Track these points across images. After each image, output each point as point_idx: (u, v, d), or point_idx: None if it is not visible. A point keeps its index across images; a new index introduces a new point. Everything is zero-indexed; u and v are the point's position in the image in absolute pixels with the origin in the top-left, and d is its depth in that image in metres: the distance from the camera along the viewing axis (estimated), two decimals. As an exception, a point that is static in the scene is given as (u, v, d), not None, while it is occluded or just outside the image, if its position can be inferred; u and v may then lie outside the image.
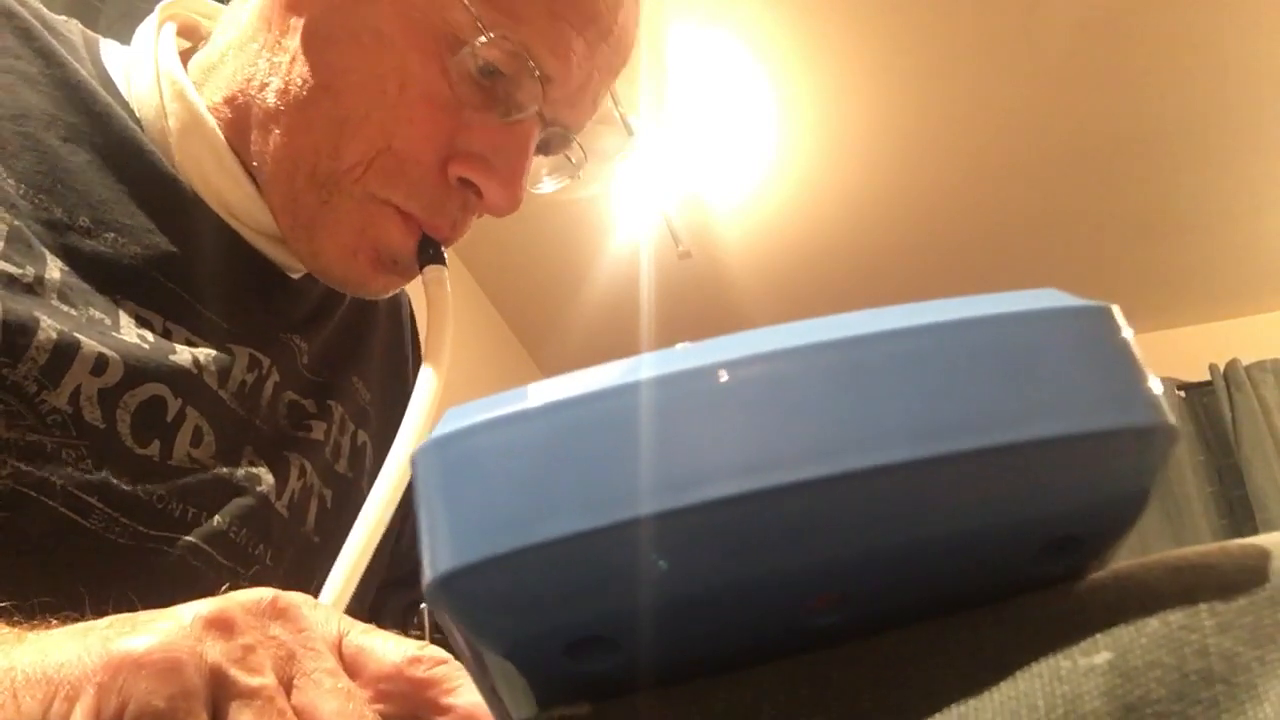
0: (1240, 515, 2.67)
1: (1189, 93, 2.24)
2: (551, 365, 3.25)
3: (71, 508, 0.45)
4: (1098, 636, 0.19)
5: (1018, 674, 0.19)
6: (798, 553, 0.19)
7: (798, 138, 2.38)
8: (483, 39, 0.52)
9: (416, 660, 0.31)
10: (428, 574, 0.19)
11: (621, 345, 2.92)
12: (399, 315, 0.75)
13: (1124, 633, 0.19)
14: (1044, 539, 0.21)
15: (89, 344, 0.46)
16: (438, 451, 0.20)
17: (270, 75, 0.55)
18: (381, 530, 0.47)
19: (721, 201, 2.59)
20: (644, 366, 0.19)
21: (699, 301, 2.91)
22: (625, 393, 0.19)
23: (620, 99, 2.19)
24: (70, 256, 0.49)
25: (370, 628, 0.33)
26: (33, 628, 0.32)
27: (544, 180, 0.65)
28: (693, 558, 0.19)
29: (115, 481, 0.47)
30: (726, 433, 0.18)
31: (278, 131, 0.54)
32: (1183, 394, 2.85)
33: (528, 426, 0.19)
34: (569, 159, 0.63)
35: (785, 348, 0.19)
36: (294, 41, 0.54)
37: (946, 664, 0.20)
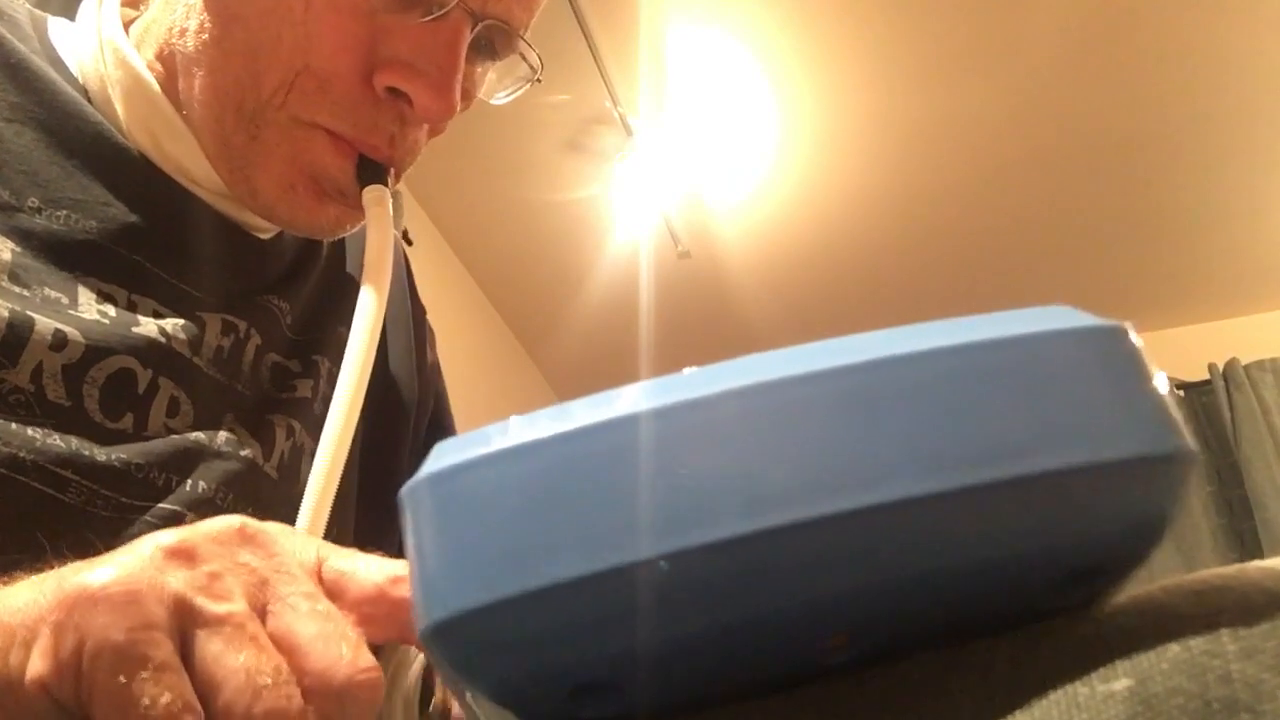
0: (1240, 515, 2.67)
1: (1189, 93, 2.24)
2: (551, 365, 3.24)
3: (47, 483, 0.44)
4: (1117, 662, 0.19)
5: (1034, 701, 0.19)
6: (807, 592, 0.19)
7: (798, 138, 2.37)
8: None
9: (399, 580, 0.30)
10: (421, 620, 0.18)
11: (621, 345, 2.92)
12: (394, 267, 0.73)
13: (1144, 659, 0.19)
14: (1061, 571, 0.20)
15: (44, 321, 0.45)
16: (430, 489, 0.19)
17: (187, 19, 0.53)
18: (344, 453, 0.45)
19: (721, 201, 2.58)
20: (645, 397, 0.18)
21: (699, 301, 2.91)
22: (626, 427, 0.18)
23: (620, 99, 2.18)
24: (21, 238, 0.48)
25: (353, 552, 0.31)
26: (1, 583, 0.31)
27: (500, 92, 0.61)
28: (699, 600, 0.18)
29: (87, 453, 0.45)
30: (731, 468, 0.18)
31: (200, 73, 0.53)
32: (1182, 394, 2.85)
33: (524, 463, 0.18)
34: (527, 63, 0.59)
35: (789, 376, 0.18)
36: None
37: (960, 691, 0.19)
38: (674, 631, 0.19)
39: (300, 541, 0.31)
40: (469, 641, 0.19)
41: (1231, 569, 0.21)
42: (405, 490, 0.19)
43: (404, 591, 0.29)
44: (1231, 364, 2.81)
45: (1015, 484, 0.18)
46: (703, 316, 2.96)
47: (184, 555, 0.27)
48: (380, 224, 0.53)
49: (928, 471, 0.17)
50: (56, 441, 0.45)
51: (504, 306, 2.95)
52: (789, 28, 2.07)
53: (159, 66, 0.55)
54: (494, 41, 0.57)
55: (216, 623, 0.26)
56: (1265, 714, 0.18)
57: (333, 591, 0.29)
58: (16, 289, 0.46)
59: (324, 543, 0.32)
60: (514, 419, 0.19)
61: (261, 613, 0.27)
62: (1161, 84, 2.21)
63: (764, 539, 0.17)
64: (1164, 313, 3.07)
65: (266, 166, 0.53)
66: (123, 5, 0.59)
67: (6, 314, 0.44)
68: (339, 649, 0.26)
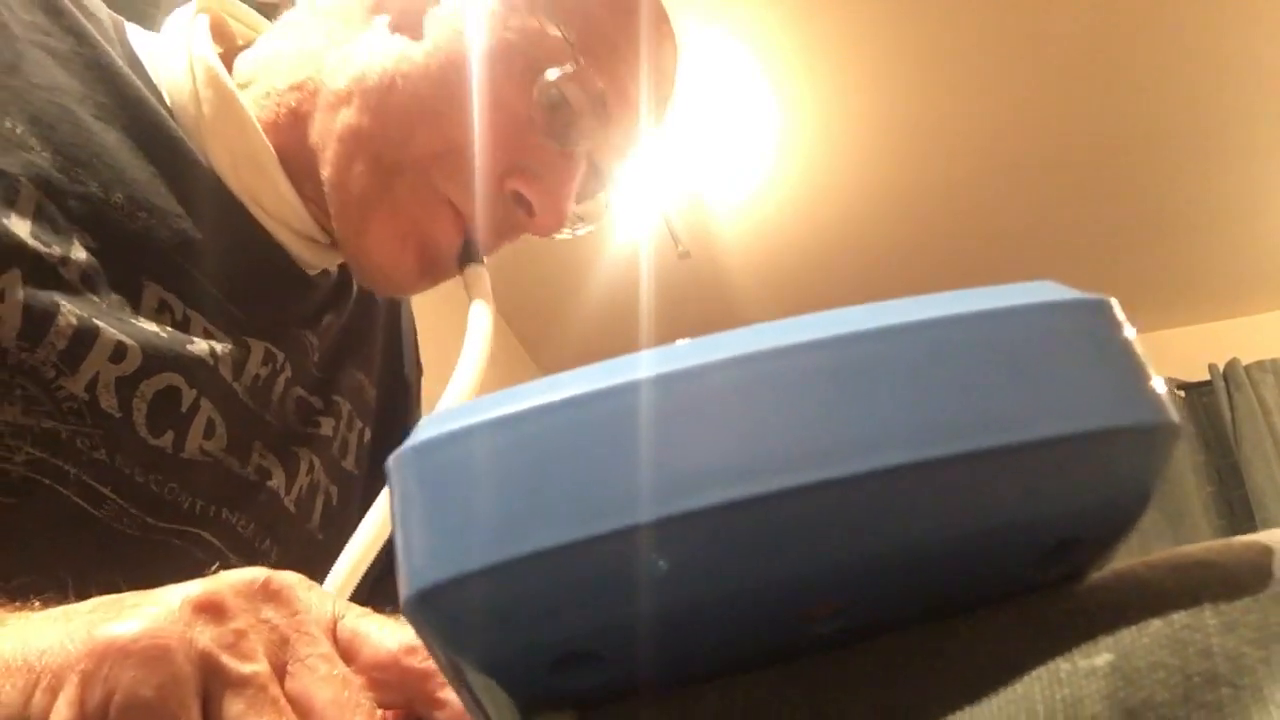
0: (1240, 515, 2.66)
1: (1189, 93, 2.23)
2: (551, 365, 3.24)
3: (84, 496, 0.44)
4: (1099, 637, 0.19)
5: (1016, 677, 0.19)
6: (794, 560, 0.19)
7: (798, 138, 2.37)
8: (569, 67, 0.54)
9: (413, 650, 0.30)
10: (405, 588, 0.18)
11: (621, 345, 2.90)
12: (395, 311, 0.75)
13: (1126, 633, 0.19)
14: (1045, 542, 0.20)
15: (108, 331, 0.46)
16: (416, 459, 0.19)
17: (345, 64, 0.56)
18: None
19: (721, 201, 2.58)
20: (633, 367, 0.19)
21: (699, 301, 2.90)
22: (615, 395, 0.18)
23: (619, 98, 2.18)
24: (101, 233, 0.48)
25: (367, 611, 0.32)
26: (15, 610, 0.31)
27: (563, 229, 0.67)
28: (686, 567, 0.18)
29: (128, 471, 0.46)
30: (719, 436, 0.18)
31: (348, 111, 0.55)
32: (1183, 394, 2.85)
33: (511, 432, 0.18)
34: (590, 214, 0.65)
35: (776, 347, 0.18)
36: (375, 35, 0.56)
37: (943, 667, 0.20)
38: (657, 600, 0.19)
39: (317, 596, 0.31)
40: (452, 610, 0.19)
41: (1215, 543, 0.21)
42: (391, 460, 0.19)
43: (416, 662, 0.30)
44: (1231, 364, 2.80)
45: (997, 454, 0.18)
46: (703, 316, 2.95)
47: (211, 610, 0.28)
48: (484, 306, 0.56)
49: (909, 440, 0.17)
50: (102, 456, 0.45)
51: (504, 306, 2.94)
52: (789, 28, 2.07)
53: (289, 96, 0.57)
54: (583, 190, 0.61)
55: (241, 683, 0.27)
56: (1245, 688, 0.18)
57: (346, 651, 0.30)
58: (86, 292, 0.47)
59: (340, 599, 0.32)
60: (496, 393, 0.19)
61: (280, 672, 0.28)
62: (1162, 85, 2.21)
63: (745, 507, 0.17)
64: (1164, 313, 3.07)
65: (388, 217, 0.56)
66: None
67: (75, 321, 0.45)
68: (352, 718, 0.27)
